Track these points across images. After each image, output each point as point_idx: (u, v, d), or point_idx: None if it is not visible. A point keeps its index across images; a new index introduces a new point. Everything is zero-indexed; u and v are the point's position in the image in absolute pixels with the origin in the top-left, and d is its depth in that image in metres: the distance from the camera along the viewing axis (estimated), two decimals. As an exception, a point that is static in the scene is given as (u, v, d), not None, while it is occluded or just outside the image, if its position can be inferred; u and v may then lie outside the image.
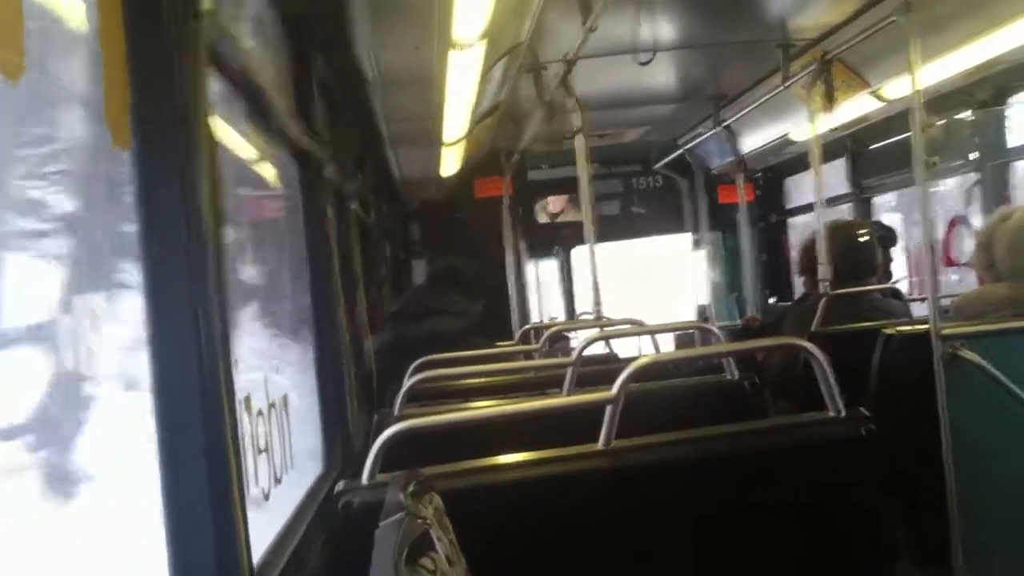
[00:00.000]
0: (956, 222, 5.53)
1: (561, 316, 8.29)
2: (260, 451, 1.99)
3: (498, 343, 4.86)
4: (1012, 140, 5.01)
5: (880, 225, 5.76)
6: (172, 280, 1.33)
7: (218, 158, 1.49)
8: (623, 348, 4.77)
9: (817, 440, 2.39)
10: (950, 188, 6.21)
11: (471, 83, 4.19)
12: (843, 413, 2.38)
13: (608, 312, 4.67)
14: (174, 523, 1.32)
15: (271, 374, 2.28)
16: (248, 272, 2.37)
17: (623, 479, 2.26)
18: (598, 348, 4.18)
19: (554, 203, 8.39)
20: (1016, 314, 3.43)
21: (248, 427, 1.87)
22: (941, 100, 4.86)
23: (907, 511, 3.35)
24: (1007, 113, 4.96)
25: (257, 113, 2.35)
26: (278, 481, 2.13)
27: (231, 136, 2.20)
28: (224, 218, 1.45)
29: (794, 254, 8.09)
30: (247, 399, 1.87)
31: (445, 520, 1.81)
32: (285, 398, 2.32)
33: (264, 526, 1.86)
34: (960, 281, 5.42)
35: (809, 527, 2.29)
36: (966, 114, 5.11)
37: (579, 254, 8.26)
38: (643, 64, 3.50)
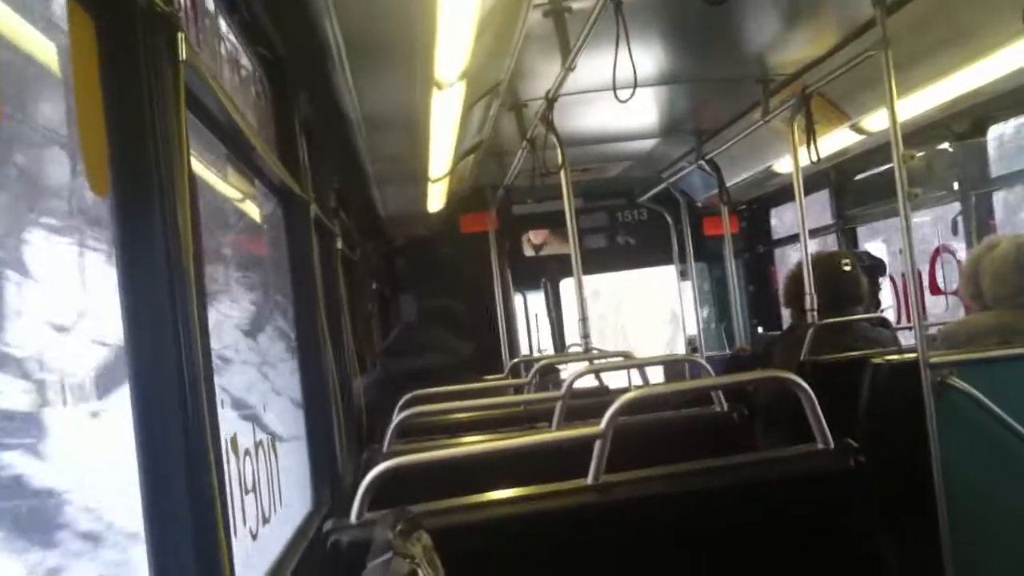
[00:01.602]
0: (941, 250, 5.55)
1: (551, 348, 8.28)
2: (247, 491, 1.97)
3: (487, 376, 4.85)
4: (993, 170, 5.05)
5: (867, 255, 5.78)
6: (154, 324, 1.33)
7: (197, 201, 1.49)
8: (613, 379, 4.76)
9: (806, 473, 2.38)
10: (934, 217, 6.25)
11: (453, 121, 4.21)
12: (832, 445, 2.37)
13: (598, 343, 4.67)
14: (159, 566, 1.30)
15: (259, 412, 2.26)
16: (237, 311, 2.36)
17: (613, 514, 2.25)
18: (588, 380, 4.18)
19: (537, 235, 8.40)
20: (1002, 342, 3.44)
21: (235, 467, 1.85)
22: (921, 132, 4.90)
23: (899, 541, 3.34)
24: (987, 143, 5.00)
25: (238, 154, 2.36)
26: (266, 520, 2.11)
27: (214, 178, 2.20)
28: (203, 261, 1.44)
29: (781, 284, 8.12)
30: (233, 439, 1.86)
31: (435, 558, 1.80)
32: (272, 437, 2.31)
33: (254, 565, 1.84)
34: (947, 310, 5.44)
35: (800, 560, 2.27)
36: (945, 145, 5.15)
37: (567, 286, 8.27)
38: (623, 101, 3.51)
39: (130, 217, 1.33)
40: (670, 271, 8.23)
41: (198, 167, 1.61)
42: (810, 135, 4.67)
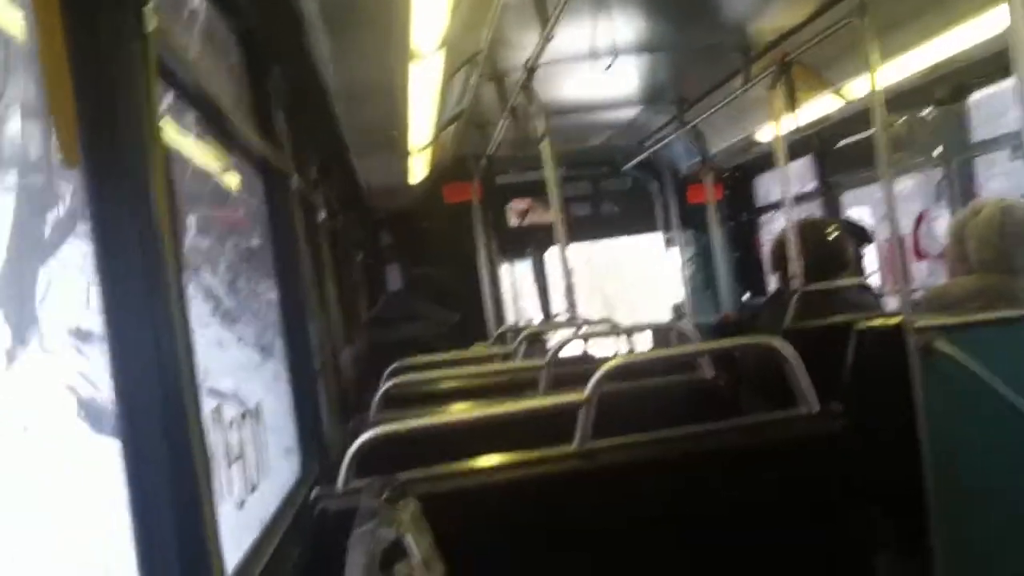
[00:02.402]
0: (925, 216, 5.56)
1: (537, 317, 8.29)
2: (234, 460, 1.97)
3: (474, 345, 4.86)
4: (974, 135, 5.06)
5: (853, 222, 5.79)
6: (129, 295, 1.32)
7: (172, 172, 1.47)
8: (600, 349, 4.77)
9: (792, 437, 2.39)
10: (918, 182, 6.26)
11: (432, 92, 4.18)
12: (816, 409, 2.38)
13: (584, 312, 4.67)
14: (141, 531, 1.30)
15: (244, 383, 2.26)
16: (218, 282, 2.35)
17: (598, 480, 2.25)
18: (575, 348, 4.18)
19: (521, 205, 8.38)
20: (986, 305, 3.45)
21: (221, 437, 1.85)
22: (902, 97, 4.90)
23: (884, 505, 3.36)
24: (968, 109, 5.00)
25: (215, 126, 2.33)
26: (253, 488, 2.11)
27: (192, 150, 2.18)
28: (180, 230, 1.43)
29: (766, 251, 8.14)
30: (218, 408, 1.86)
31: (423, 524, 1.80)
32: (259, 406, 2.31)
33: (241, 534, 1.84)
34: (931, 275, 5.46)
35: (786, 524, 2.28)
36: (927, 111, 5.15)
37: (553, 255, 8.27)
38: (604, 69, 3.50)
39: (102, 187, 1.32)
40: (658, 239, 8.24)
41: (182, 141, 1.59)
42: (792, 102, 4.67)
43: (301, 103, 3.78)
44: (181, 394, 1.34)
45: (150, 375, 1.31)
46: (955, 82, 4.83)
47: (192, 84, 1.95)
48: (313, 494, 2.18)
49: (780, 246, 4.79)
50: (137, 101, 1.35)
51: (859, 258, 5.20)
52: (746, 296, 8.28)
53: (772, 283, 7.84)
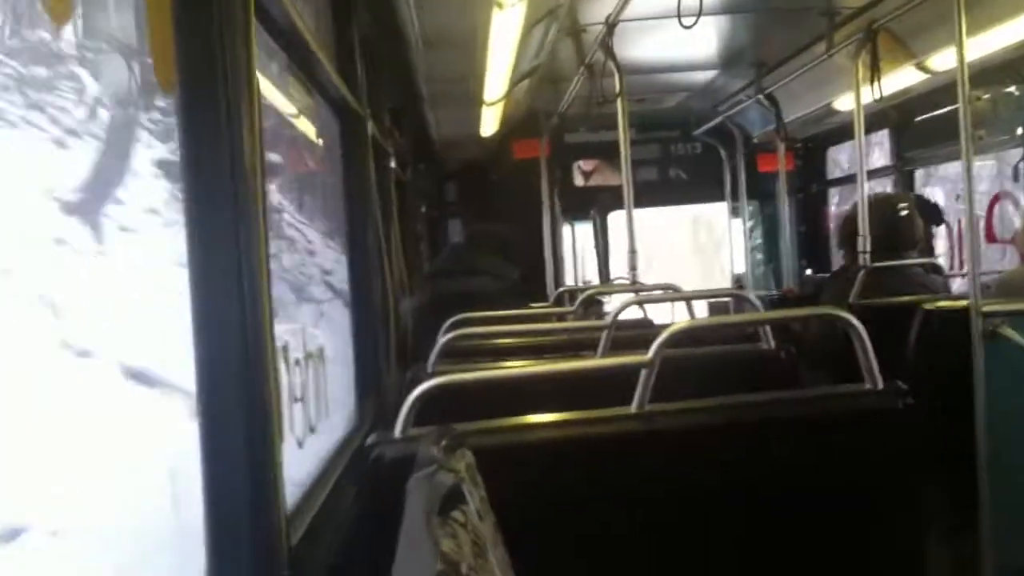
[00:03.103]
0: (999, 198, 5.45)
1: (595, 280, 8.26)
2: (296, 400, 2.00)
3: (532, 304, 4.86)
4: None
5: (924, 200, 5.68)
6: (216, 224, 1.34)
7: (261, 106, 1.49)
8: (657, 316, 4.75)
9: (853, 412, 2.37)
10: (994, 164, 6.13)
11: (511, 44, 4.16)
12: (880, 386, 2.36)
13: (644, 278, 4.65)
14: (211, 462, 1.33)
15: (309, 327, 2.29)
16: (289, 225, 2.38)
17: (656, 443, 2.25)
18: (632, 314, 4.17)
19: (587, 165, 8.34)
20: (1056, 293, 3.39)
21: (285, 377, 1.88)
22: (987, 74, 4.78)
23: (939, 488, 3.33)
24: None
25: (299, 66, 2.35)
26: (312, 430, 2.14)
27: (275, 89, 2.20)
28: (266, 165, 1.45)
29: (833, 225, 8.02)
30: (285, 348, 1.88)
31: (476, 476, 1.82)
32: (322, 350, 2.34)
33: (297, 473, 1.87)
34: (1003, 258, 5.35)
35: (841, 497, 2.27)
36: (1012, 88, 5.02)
37: (616, 219, 8.23)
38: (687, 28, 3.44)
39: (195, 115, 1.34)
40: (721, 209, 8.15)
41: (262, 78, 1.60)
42: (875, 72, 4.57)
43: (381, 49, 3.79)
44: (258, 328, 1.36)
45: (230, 307, 1.33)
46: (1046, 60, 4.71)
47: (284, 22, 1.97)
48: (370, 439, 2.21)
49: (850, 221, 4.72)
50: (233, 34, 1.37)
51: (929, 237, 5.12)
52: (808, 272, 8.19)
53: (837, 259, 7.75)
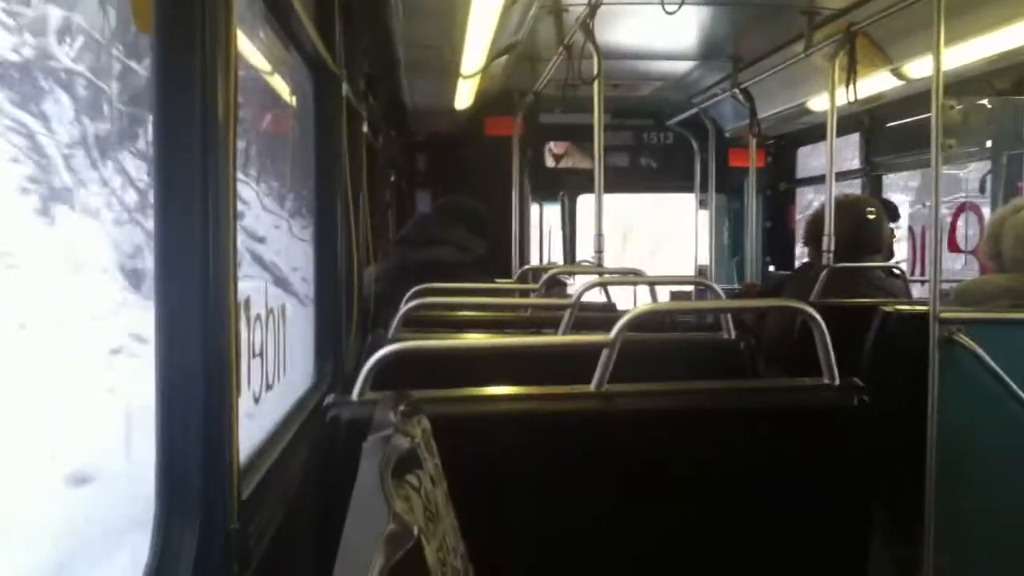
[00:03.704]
0: (964, 208, 5.51)
1: (560, 262, 8.27)
2: (255, 355, 1.98)
3: (497, 280, 4.86)
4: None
5: (883, 200, 5.74)
6: (184, 170, 1.32)
7: (236, 55, 1.46)
8: (619, 301, 4.77)
9: (809, 405, 2.40)
10: (959, 174, 6.19)
11: (491, 17, 4.14)
12: (837, 381, 2.38)
13: (608, 263, 4.65)
14: (166, 410, 1.31)
15: (270, 284, 2.27)
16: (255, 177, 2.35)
17: (612, 423, 2.26)
18: (595, 297, 4.18)
19: (558, 147, 8.33)
20: (1013, 304, 3.44)
21: (245, 331, 1.86)
22: (960, 85, 4.82)
23: (887, 486, 3.37)
24: (1026, 103, 4.92)
25: (278, 19, 2.32)
26: (269, 387, 2.13)
27: (250, 42, 2.17)
28: (237, 115, 1.42)
29: (799, 224, 8.08)
30: (247, 302, 1.86)
31: (432, 443, 1.81)
32: (283, 307, 2.32)
33: (252, 428, 1.86)
34: (963, 267, 5.42)
35: (791, 489, 2.30)
36: (984, 101, 5.06)
37: (585, 202, 8.23)
38: (669, 14, 3.43)
39: (170, 57, 1.32)
40: (689, 200, 8.18)
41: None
42: (851, 75, 4.59)
43: (360, 10, 3.75)
44: (222, 279, 1.35)
45: (195, 255, 1.32)
46: (1018, 74, 4.75)
47: None
48: (327, 400, 2.20)
49: (817, 219, 4.76)
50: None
51: (890, 240, 5.17)
52: (771, 268, 8.25)
53: (799, 257, 7.81)
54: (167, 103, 1.34)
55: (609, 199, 4.73)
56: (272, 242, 2.89)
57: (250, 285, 2.04)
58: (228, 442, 1.38)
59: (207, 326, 1.34)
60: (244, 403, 1.83)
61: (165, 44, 1.33)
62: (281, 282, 2.75)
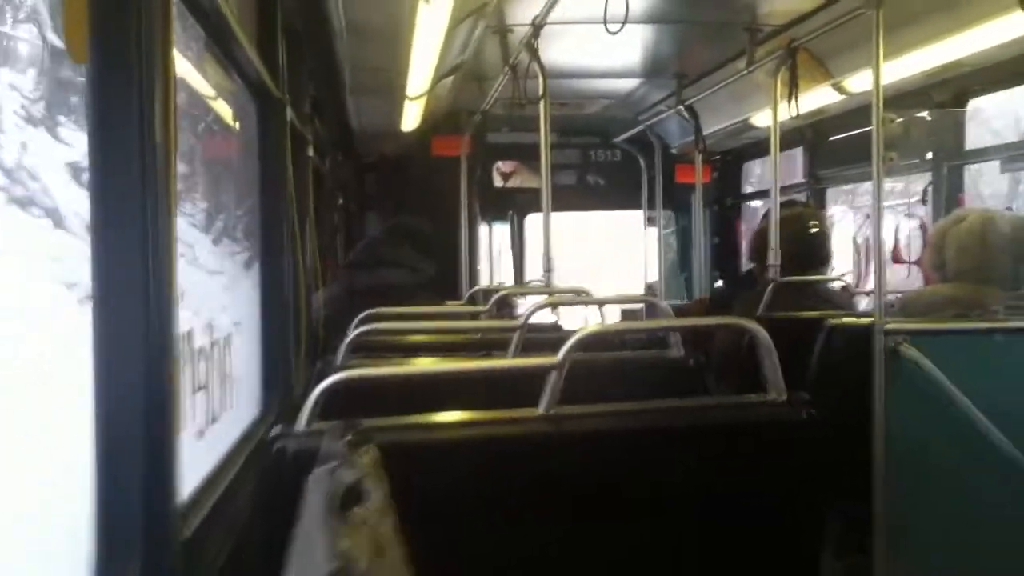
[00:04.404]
0: (907, 219, 5.59)
1: (510, 282, 8.27)
2: (198, 388, 1.95)
3: (446, 302, 4.85)
4: (969, 143, 5.06)
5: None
6: (121, 203, 1.29)
7: (175, 83, 1.44)
8: (569, 321, 4.77)
9: (757, 421, 2.41)
10: (903, 186, 6.28)
11: (437, 38, 4.14)
12: (784, 397, 2.39)
13: (557, 282, 4.66)
14: (104, 448, 1.28)
15: (217, 313, 2.24)
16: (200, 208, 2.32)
17: (562, 446, 2.26)
18: (545, 317, 4.18)
19: (506, 167, 8.35)
20: (958, 314, 3.48)
21: (189, 363, 1.83)
22: (900, 98, 4.90)
23: (836, 500, 3.40)
24: (966, 116, 5.00)
25: (218, 45, 2.30)
26: (214, 420, 2.09)
27: (190, 67, 2.14)
28: (178, 144, 1.40)
29: (746, 239, 8.16)
30: (189, 334, 1.84)
31: (381, 472, 1.79)
32: (228, 338, 2.29)
33: (196, 462, 1.83)
34: (907, 278, 5.49)
35: (741, 506, 2.30)
36: (924, 113, 5.15)
37: (533, 221, 8.24)
38: (612, 34, 3.46)
39: (107, 88, 1.29)
40: (637, 217, 8.22)
41: (178, 55, 1.55)
42: (792, 90, 4.65)
43: (304, 34, 3.73)
44: (162, 311, 1.32)
45: (134, 289, 1.29)
46: (956, 87, 4.84)
47: None
48: (273, 432, 2.17)
49: (763, 234, 4.80)
50: (151, 7, 1.32)
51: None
52: (719, 283, 8.31)
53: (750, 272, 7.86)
54: (104, 134, 1.31)
55: (559, 217, 4.74)
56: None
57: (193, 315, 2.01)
58: (170, 479, 1.36)
59: (146, 359, 1.31)
60: (188, 438, 1.80)
61: (101, 75, 1.31)
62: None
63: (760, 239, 4.83)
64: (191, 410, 1.86)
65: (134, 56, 1.30)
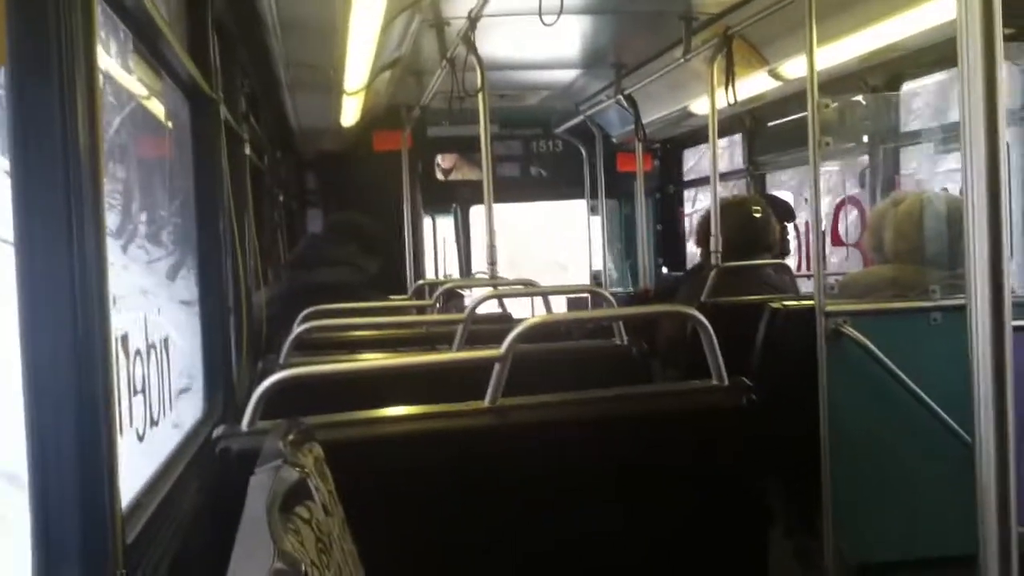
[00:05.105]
0: (845, 202, 5.66)
1: (456, 274, 8.27)
2: (136, 392, 1.92)
3: (391, 297, 4.83)
4: (903, 126, 5.14)
5: (774, 198, 5.86)
6: (46, 207, 1.26)
7: (100, 84, 1.41)
8: (516, 310, 4.78)
9: (700, 407, 2.43)
10: (840, 169, 6.36)
11: (372, 33, 4.11)
12: (726, 382, 2.42)
13: (504, 273, 4.66)
14: (38, 457, 1.26)
15: (152, 315, 2.20)
16: (133, 210, 2.28)
17: (507, 437, 2.26)
18: (492, 308, 4.18)
19: (448, 160, 8.34)
20: (898, 295, 3.53)
21: (125, 367, 1.80)
22: (836, 83, 4.96)
23: (784, 480, 3.44)
24: (900, 99, 5.08)
25: (146, 45, 2.26)
26: (154, 423, 2.07)
27: (118, 68, 2.11)
28: (103, 145, 1.37)
29: (688, 225, 8.22)
30: (124, 338, 1.81)
31: (325, 470, 1.78)
32: (166, 340, 2.26)
33: (137, 467, 1.80)
34: (847, 259, 5.57)
35: (687, 491, 2.32)
36: (859, 97, 5.21)
37: (477, 213, 8.24)
38: (548, 26, 3.46)
39: (27, 88, 1.26)
40: (580, 207, 8.25)
41: (103, 56, 1.52)
42: (729, 77, 4.69)
43: (236, 30, 3.68)
44: (92, 317, 1.30)
45: (62, 296, 1.26)
46: (890, 71, 4.90)
47: None
48: (216, 432, 2.15)
49: (706, 221, 4.83)
50: (71, 8, 1.29)
51: (784, 238, 5.29)
52: (663, 270, 8.37)
53: (691, 259, 7.93)
54: (26, 137, 1.28)
55: (504, 209, 4.74)
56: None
57: (129, 318, 1.97)
58: (109, 485, 1.33)
59: (79, 364, 1.29)
60: (128, 442, 1.78)
61: (20, 75, 1.27)
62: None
63: (704, 225, 4.86)
64: (128, 414, 1.83)
65: (55, 55, 1.27)
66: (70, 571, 1.29)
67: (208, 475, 2.07)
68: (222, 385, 2.81)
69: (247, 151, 4.02)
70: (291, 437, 1.69)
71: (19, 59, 1.27)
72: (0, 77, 1.29)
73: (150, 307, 2.24)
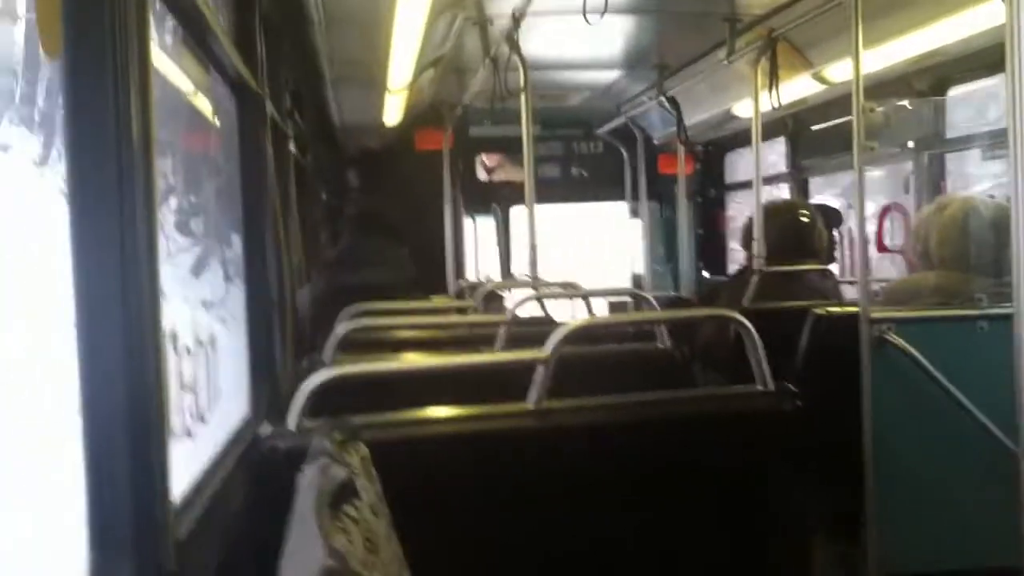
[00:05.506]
0: (890, 209, 5.60)
1: (496, 275, 8.25)
2: (184, 388, 1.94)
3: (432, 297, 4.84)
4: (949, 131, 5.07)
5: (826, 207, 5.81)
6: (100, 200, 1.27)
7: (152, 77, 1.42)
8: (556, 313, 4.77)
9: (744, 412, 2.42)
10: (885, 174, 6.30)
11: (417, 30, 4.12)
12: (771, 387, 2.40)
13: (544, 275, 4.65)
14: (93, 454, 1.27)
15: (200, 313, 2.22)
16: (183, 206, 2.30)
17: (551, 439, 2.26)
18: (532, 310, 4.18)
19: (490, 160, 8.33)
20: (942, 302, 3.49)
21: (174, 364, 1.81)
22: (881, 87, 4.91)
23: (825, 488, 3.41)
24: (946, 104, 5.01)
25: (196, 40, 2.27)
26: (201, 420, 2.08)
27: (168, 63, 2.12)
28: (155, 139, 1.38)
29: (731, 229, 8.17)
30: (174, 335, 1.82)
31: (371, 470, 1.79)
32: (213, 337, 2.27)
33: (186, 463, 1.81)
34: (891, 266, 5.51)
35: (730, 495, 2.31)
36: (905, 102, 5.15)
37: (518, 214, 8.23)
38: (591, 25, 3.45)
39: (82, 81, 1.26)
40: (621, 209, 8.22)
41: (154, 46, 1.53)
42: (773, 80, 4.65)
43: (282, 26, 3.70)
44: (145, 313, 1.30)
45: (115, 291, 1.27)
46: (937, 75, 4.84)
47: None
48: (263, 431, 2.16)
49: (751, 225, 4.80)
50: (125, 4, 1.30)
51: (831, 244, 5.23)
52: (704, 274, 8.32)
53: (734, 261, 7.87)
54: (80, 130, 1.28)
55: (544, 210, 4.72)
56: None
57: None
58: (161, 482, 1.34)
59: (131, 361, 1.29)
60: (177, 439, 1.79)
61: (76, 69, 1.28)
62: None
63: (751, 229, 4.83)
64: (176, 411, 1.85)
65: (109, 48, 1.28)
66: (124, 567, 1.30)
67: (255, 473, 2.08)
68: (268, 382, 2.83)
69: (291, 147, 4.04)
70: (338, 436, 1.70)
71: (75, 51, 1.27)
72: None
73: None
